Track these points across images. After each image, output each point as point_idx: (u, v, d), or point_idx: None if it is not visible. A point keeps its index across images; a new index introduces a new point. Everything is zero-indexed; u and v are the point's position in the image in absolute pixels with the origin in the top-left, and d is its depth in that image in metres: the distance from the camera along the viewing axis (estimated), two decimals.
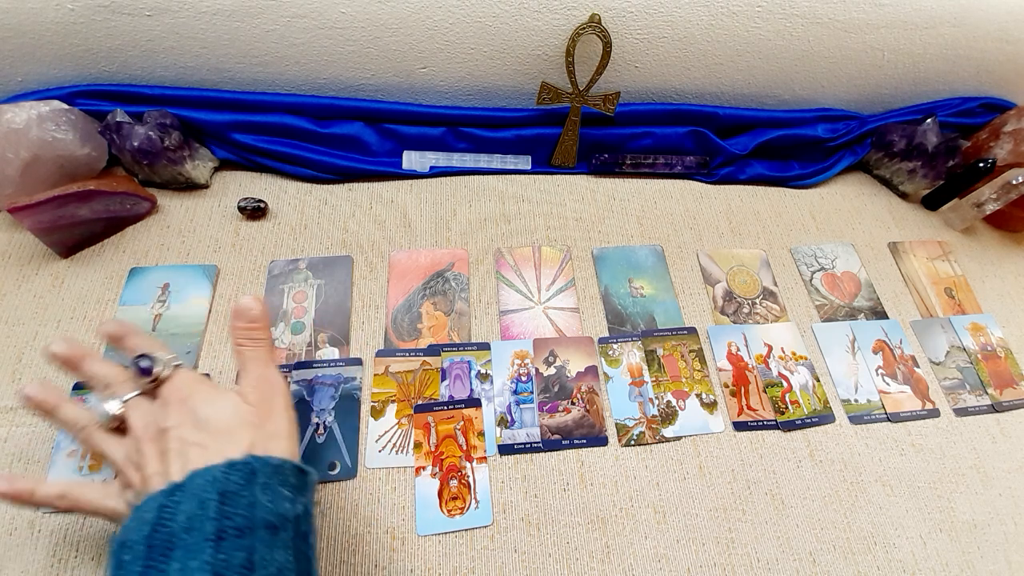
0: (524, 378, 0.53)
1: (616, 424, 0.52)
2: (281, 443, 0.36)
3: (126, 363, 0.38)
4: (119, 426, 0.37)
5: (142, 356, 0.37)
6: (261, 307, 0.40)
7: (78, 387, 0.48)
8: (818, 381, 0.56)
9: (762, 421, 0.53)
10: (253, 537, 0.30)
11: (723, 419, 0.53)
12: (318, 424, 0.49)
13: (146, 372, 0.37)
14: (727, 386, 0.55)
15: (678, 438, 0.52)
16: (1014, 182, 0.63)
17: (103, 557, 0.42)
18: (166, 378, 0.37)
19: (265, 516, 0.31)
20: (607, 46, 0.57)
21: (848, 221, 0.69)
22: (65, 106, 0.55)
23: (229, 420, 0.35)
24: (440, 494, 0.47)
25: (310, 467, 0.36)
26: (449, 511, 0.46)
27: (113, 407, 0.36)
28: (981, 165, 0.66)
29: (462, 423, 0.50)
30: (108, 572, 0.30)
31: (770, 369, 0.56)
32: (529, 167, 0.68)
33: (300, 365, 0.51)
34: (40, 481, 0.37)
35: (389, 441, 0.49)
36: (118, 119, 0.56)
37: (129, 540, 0.30)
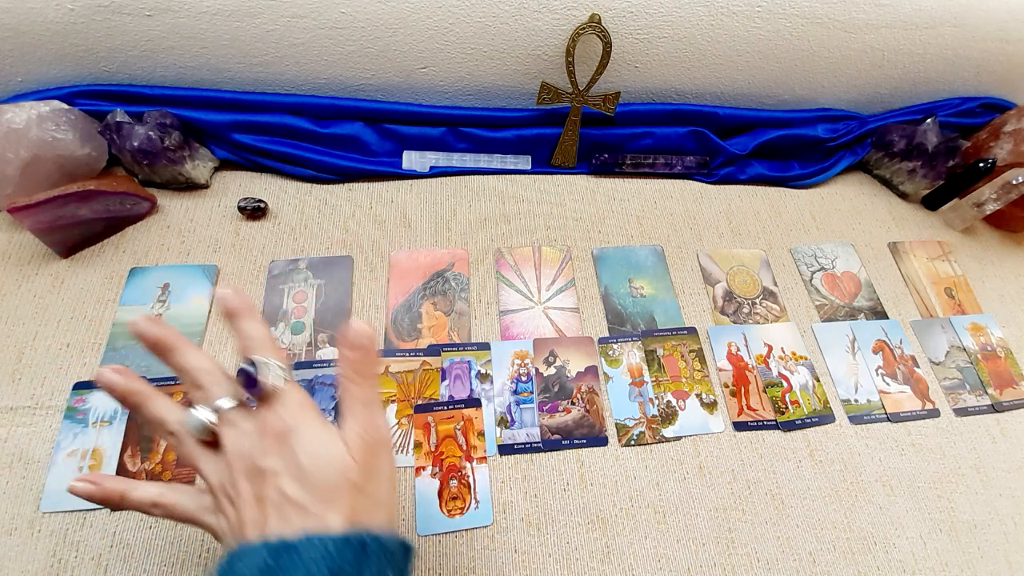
0: (524, 378, 0.53)
1: (616, 424, 0.52)
2: (383, 513, 0.31)
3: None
4: (211, 438, 0.32)
5: (250, 362, 0.31)
6: (373, 335, 0.34)
7: (79, 387, 0.48)
8: (818, 381, 0.56)
9: (762, 421, 0.53)
10: None
11: (723, 419, 0.53)
12: None
13: (251, 384, 0.31)
14: (727, 386, 0.55)
15: (678, 438, 0.52)
16: (1014, 182, 0.63)
17: (103, 557, 0.42)
18: (272, 394, 0.31)
19: None
20: (607, 46, 0.57)
21: (848, 221, 0.69)
22: (65, 106, 0.55)
23: (333, 478, 0.30)
24: (440, 494, 0.47)
25: (410, 541, 0.32)
26: (449, 511, 0.46)
27: (207, 416, 0.31)
28: (981, 165, 0.66)
29: (462, 423, 0.50)
30: None
31: (770, 369, 0.56)
32: (529, 167, 0.68)
33: (300, 365, 0.51)
34: (133, 484, 0.33)
35: None
36: (118, 119, 0.56)
37: None
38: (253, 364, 0.31)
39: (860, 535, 0.49)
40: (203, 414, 0.31)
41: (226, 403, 0.31)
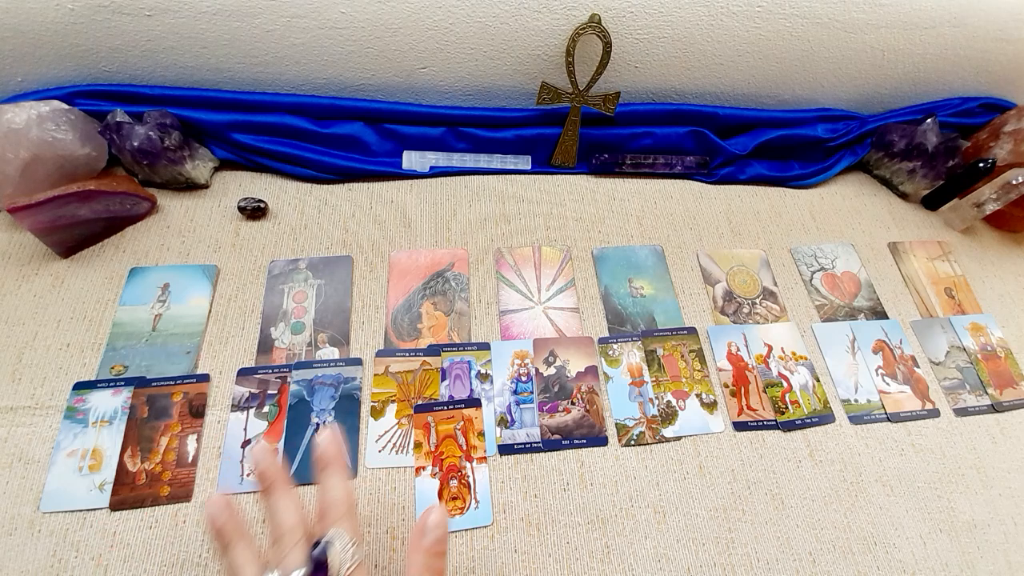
0: (524, 378, 0.53)
1: (616, 424, 0.52)
2: None
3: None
4: None
5: (322, 545, 0.31)
6: (446, 520, 0.35)
7: (79, 387, 0.48)
8: (818, 381, 0.56)
9: (762, 421, 0.53)
10: None
11: (723, 419, 0.53)
12: (318, 424, 0.49)
13: (320, 569, 0.31)
14: (727, 386, 0.55)
15: (678, 438, 0.52)
16: (1014, 182, 0.63)
17: (103, 557, 0.42)
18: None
19: None
20: (607, 46, 0.57)
21: (848, 221, 0.69)
22: (65, 106, 0.55)
23: None
24: (440, 494, 0.47)
25: None
26: (449, 511, 0.46)
27: None
28: (981, 165, 0.66)
29: (462, 423, 0.50)
30: None
31: (770, 369, 0.56)
32: (529, 167, 0.68)
33: (300, 365, 0.51)
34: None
35: (389, 441, 0.49)
36: (118, 119, 0.56)
37: None
38: (324, 546, 0.31)
39: (860, 535, 0.49)
40: None
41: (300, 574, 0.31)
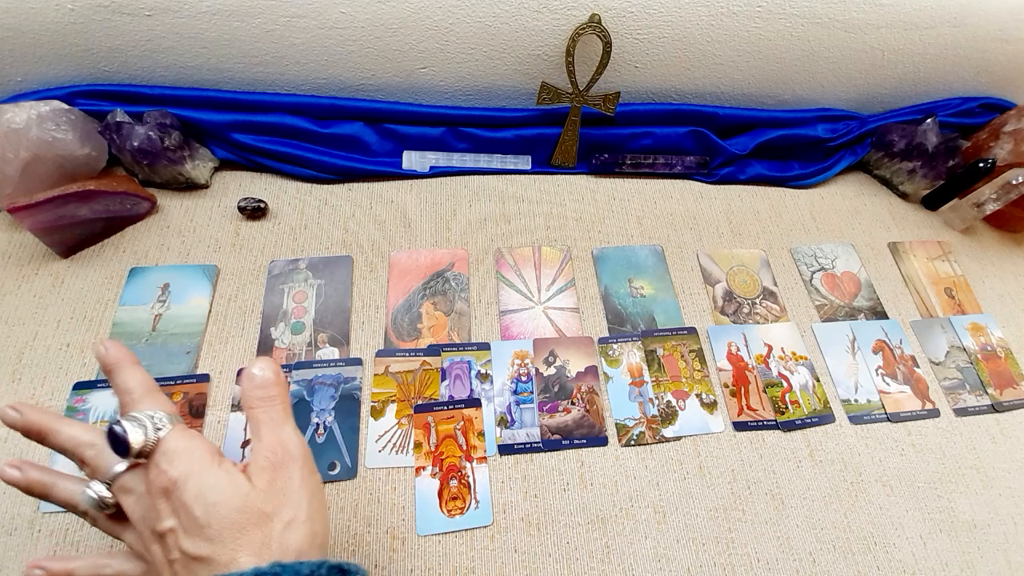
0: (524, 378, 0.53)
1: (616, 424, 0.52)
2: (300, 530, 0.30)
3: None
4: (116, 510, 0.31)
5: (117, 423, 0.29)
6: (275, 372, 0.34)
7: (79, 387, 0.48)
8: (818, 381, 0.56)
9: (762, 421, 0.53)
10: None
11: (723, 419, 0.53)
12: (318, 424, 0.49)
13: (121, 447, 0.29)
14: (727, 386, 0.55)
15: (678, 438, 0.52)
16: (1014, 182, 0.63)
17: None
18: (152, 450, 0.30)
19: None
20: (607, 46, 0.57)
21: (848, 221, 0.69)
22: (65, 106, 0.55)
23: (232, 516, 0.28)
24: (440, 494, 0.47)
25: (353, 563, 0.29)
26: (449, 511, 0.46)
27: (99, 492, 0.30)
28: (981, 165, 0.66)
29: (462, 423, 0.50)
30: None
31: (770, 369, 0.56)
32: (529, 167, 0.68)
33: (300, 365, 0.51)
34: (57, 488, 0.32)
35: (389, 441, 0.49)
36: (118, 119, 0.56)
37: None
38: (118, 423, 0.29)
39: (860, 535, 0.49)
40: (96, 490, 0.30)
41: (118, 468, 0.30)
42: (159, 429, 0.30)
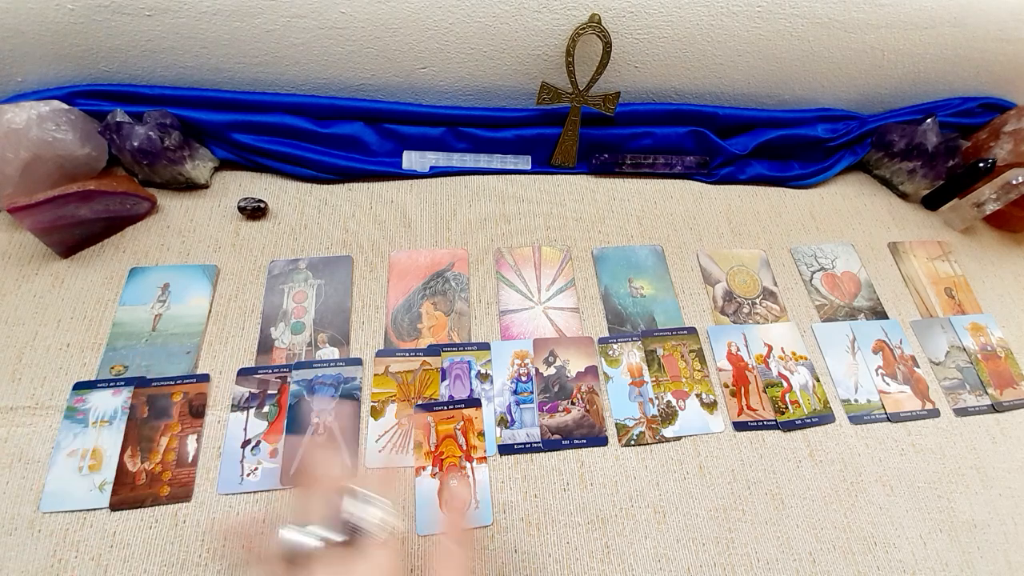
0: (524, 378, 0.53)
1: (616, 424, 0.52)
2: None
3: None
4: None
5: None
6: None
7: (79, 387, 0.48)
8: (818, 381, 0.56)
9: (762, 421, 0.53)
10: None
11: (723, 419, 0.53)
12: (318, 424, 0.49)
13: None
14: (727, 386, 0.55)
15: (678, 438, 0.52)
16: (1014, 182, 0.63)
17: (103, 557, 0.42)
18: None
19: None
20: (607, 46, 0.57)
21: (848, 221, 0.69)
22: (65, 106, 0.55)
23: None
24: (440, 494, 0.47)
25: None
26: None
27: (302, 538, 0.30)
28: (981, 165, 0.66)
29: (462, 423, 0.50)
30: None
31: (770, 369, 0.56)
32: (529, 167, 0.68)
33: (300, 365, 0.51)
34: None
35: (389, 441, 0.49)
36: (118, 119, 0.56)
37: None
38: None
39: (860, 535, 0.49)
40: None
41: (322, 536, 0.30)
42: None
